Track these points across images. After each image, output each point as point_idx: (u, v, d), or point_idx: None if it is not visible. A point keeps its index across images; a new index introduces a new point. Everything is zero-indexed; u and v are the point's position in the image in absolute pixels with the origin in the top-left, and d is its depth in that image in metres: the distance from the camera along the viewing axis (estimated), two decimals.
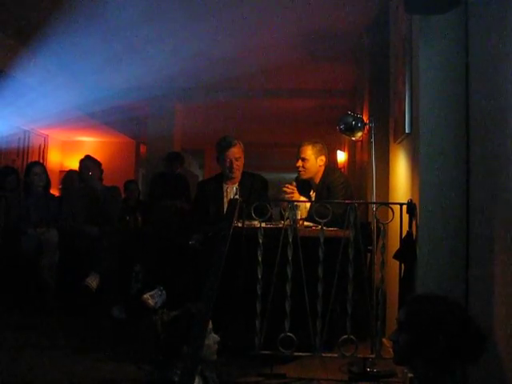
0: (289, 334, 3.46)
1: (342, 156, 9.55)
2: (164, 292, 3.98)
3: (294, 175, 4.71)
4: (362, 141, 6.92)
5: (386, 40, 5.00)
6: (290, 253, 3.48)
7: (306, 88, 8.70)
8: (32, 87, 7.01)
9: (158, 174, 7.55)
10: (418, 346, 2.03)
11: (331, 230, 3.79)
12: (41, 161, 9.53)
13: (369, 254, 4.26)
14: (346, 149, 9.46)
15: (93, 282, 4.84)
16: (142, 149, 11.20)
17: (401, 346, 2.08)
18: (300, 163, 4.44)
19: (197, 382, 2.59)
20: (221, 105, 9.74)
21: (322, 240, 3.50)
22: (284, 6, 5.68)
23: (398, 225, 3.55)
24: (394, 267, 3.63)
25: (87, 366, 3.52)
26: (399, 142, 3.98)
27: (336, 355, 3.54)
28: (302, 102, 9.31)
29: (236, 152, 4.44)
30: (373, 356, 3.53)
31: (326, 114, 9.26)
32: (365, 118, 6.31)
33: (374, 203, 3.77)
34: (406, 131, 3.64)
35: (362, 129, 4.03)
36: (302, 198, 4.30)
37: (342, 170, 9.54)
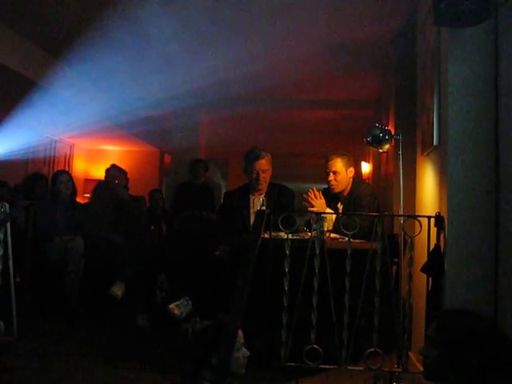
0: (315, 346, 3.45)
1: (366, 167, 9.52)
2: (190, 302, 3.99)
3: (318, 185, 4.69)
4: (387, 152, 6.89)
5: (413, 51, 4.99)
6: (316, 264, 3.48)
7: (331, 98, 8.71)
8: (62, 98, 7.12)
9: (182, 183, 7.56)
10: (450, 362, 2.01)
11: (358, 242, 3.78)
12: (66, 169, 9.66)
13: (395, 267, 4.25)
14: (370, 160, 9.43)
15: (118, 290, 4.87)
16: (167, 158, 11.27)
17: (432, 361, 2.06)
18: (332, 177, 4.43)
19: None
20: (246, 116, 9.77)
21: (349, 252, 3.49)
22: (311, 18, 5.71)
23: (425, 238, 3.53)
24: (421, 280, 3.60)
25: (113, 374, 3.55)
26: (427, 155, 3.96)
27: (362, 368, 3.52)
28: (327, 113, 9.32)
29: (264, 164, 4.45)
30: (399, 370, 3.50)
31: (351, 125, 9.25)
32: (391, 129, 6.34)
33: (401, 216, 3.75)
34: (434, 144, 3.62)
35: (389, 141, 4.02)
36: (328, 210, 4.29)
37: (367, 181, 9.51)
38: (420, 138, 4.24)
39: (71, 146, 9.96)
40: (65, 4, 5.55)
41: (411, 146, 4.59)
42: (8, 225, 3.71)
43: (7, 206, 3.72)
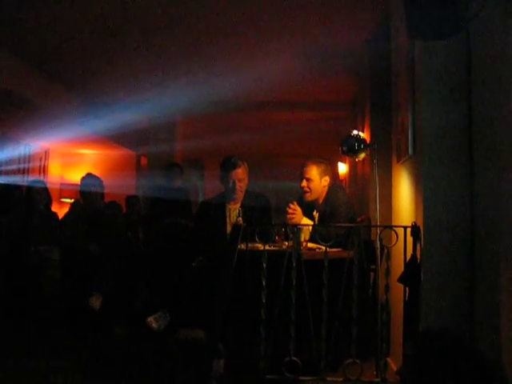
0: (294, 358, 3.45)
1: (343, 168, 9.54)
2: (168, 315, 3.96)
3: (295, 184, 4.67)
4: None
5: (386, 55, 4.99)
6: (293, 276, 3.48)
7: (307, 100, 8.71)
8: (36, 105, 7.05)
9: (157, 188, 7.50)
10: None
11: (335, 251, 3.79)
12: (41, 173, 9.55)
13: (372, 273, 4.26)
14: (347, 161, 9.45)
15: (96, 302, 4.83)
16: (143, 161, 11.19)
17: (408, 382, 2.07)
18: (305, 183, 4.41)
19: None
20: (221, 117, 9.76)
21: (326, 264, 3.49)
22: (287, 22, 5.70)
23: (402, 247, 3.54)
24: (399, 289, 3.61)
25: None
26: (402, 163, 3.97)
27: (341, 379, 3.52)
28: (304, 114, 9.32)
29: (240, 173, 4.43)
30: (378, 380, 3.51)
31: (328, 125, 9.29)
32: (366, 132, 6.37)
33: (378, 226, 3.76)
34: (409, 153, 3.63)
35: (364, 150, 4.03)
36: (305, 220, 4.28)
37: (343, 181, 9.53)
38: (395, 146, 4.25)
39: (46, 151, 9.83)
40: None
41: (387, 151, 4.59)
42: None
43: None
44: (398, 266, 3.63)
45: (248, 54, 6.74)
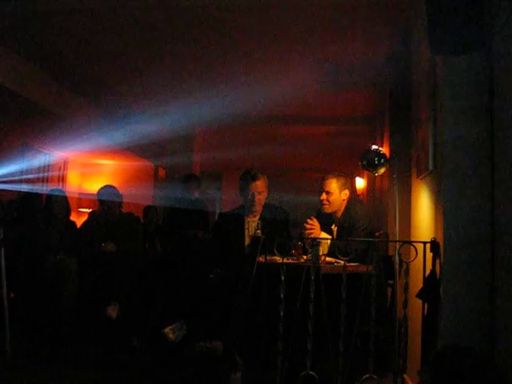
0: (310, 372, 3.43)
1: (361, 183, 9.52)
2: (184, 326, 3.96)
3: (313, 198, 4.67)
4: None
5: (407, 70, 4.99)
6: (312, 290, 3.46)
7: (326, 114, 8.73)
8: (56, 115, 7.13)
9: (175, 199, 7.50)
10: None
11: (353, 266, 3.77)
12: (60, 183, 9.63)
13: (390, 289, 4.24)
14: (365, 175, 9.44)
15: (113, 312, 4.84)
16: (161, 172, 11.24)
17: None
18: (324, 196, 4.41)
19: None
20: (240, 130, 9.79)
21: (344, 278, 3.47)
22: (308, 38, 5.74)
23: (421, 262, 3.52)
24: (417, 305, 3.59)
25: None
26: (422, 178, 3.95)
27: None
28: (324, 128, 9.33)
29: (259, 186, 4.45)
30: None
31: (347, 140, 9.28)
32: (385, 147, 6.35)
33: (397, 241, 3.74)
34: (430, 168, 3.61)
35: (384, 165, 4.02)
36: (323, 234, 4.27)
37: (361, 196, 9.50)
38: (415, 161, 4.24)
39: (65, 161, 9.93)
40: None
41: (406, 166, 4.58)
42: (2, 251, 3.69)
43: (1, 230, 3.70)
44: (417, 282, 3.61)
45: (268, 67, 6.78)
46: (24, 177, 7.90)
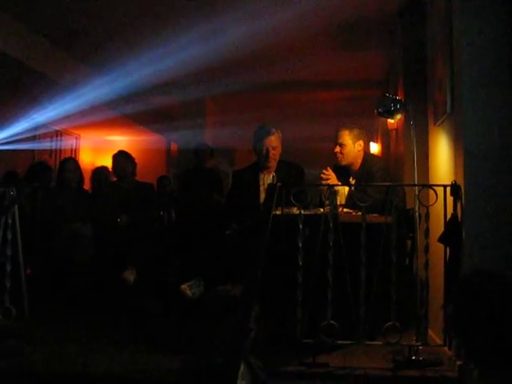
0: (331, 321, 3.37)
1: (375, 147, 9.39)
2: (202, 283, 3.92)
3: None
4: (396, 129, 6.80)
5: (422, 23, 4.88)
6: (330, 238, 3.39)
7: (338, 79, 8.59)
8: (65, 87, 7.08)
9: (188, 169, 7.47)
10: (461, 318, 1.93)
11: (371, 217, 3.69)
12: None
13: (409, 242, 4.16)
14: (379, 140, 9.32)
15: (130, 275, 4.83)
16: (173, 147, 11.19)
17: (447, 315, 1.98)
18: (338, 149, 4.34)
19: (242, 368, 2.54)
20: (251, 101, 9.69)
21: (363, 224, 3.40)
22: None
23: (440, 208, 3.44)
24: (438, 252, 3.52)
25: (121, 358, 3.48)
26: (440, 124, 3.87)
27: (380, 343, 3.44)
28: (335, 94, 9.21)
29: (273, 141, 4.38)
30: (418, 344, 3.42)
31: (359, 106, 9.13)
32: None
33: (416, 185, 3.65)
34: (448, 111, 3.53)
35: (400, 111, 3.92)
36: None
37: None
38: (432, 109, 4.15)
39: (77, 137, 9.91)
40: None
41: (422, 120, 4.49)
42: (16, 209, 3.66)
43: (14, 190, 3.67)
44: (437, 229, 3.53)
45: (278, 30, 6.66)
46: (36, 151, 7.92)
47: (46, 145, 8.63)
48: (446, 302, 2.05)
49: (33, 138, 8.01)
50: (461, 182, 3.28)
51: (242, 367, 2.50)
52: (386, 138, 8.18)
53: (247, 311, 2.49)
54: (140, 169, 5.94)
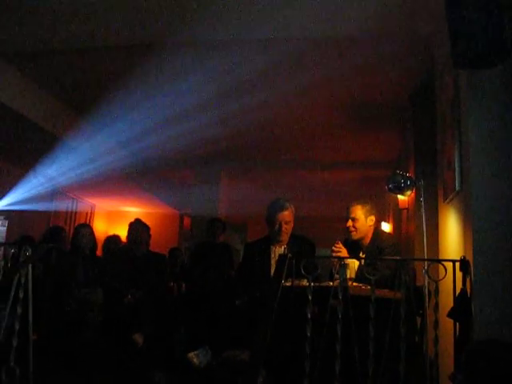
0: None
1: (386, 227, 9.44)
2: (209, 352, 3.90)
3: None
4: (407, 209, 6.87)
5: (432, 106, 5.04)
6: (339, 310, 3.40)
7: (350, 160, 8.77)
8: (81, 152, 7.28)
9: (200, 243, 7.52)
10: None
11: (381, 291, 3.70)
12: None
13: (419, 319, 4.14)
14: (390, 220, 9.37)
15: (139, 338, 4.80)
16: (186, 221, 11.30)
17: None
18: (350, 223, 4.39)
19: None
20: (264, 177, 9.85)
21: (372, 297, 3.41)
22: (330, 78, 5.80)
23: (450, 284, 3.45)
24: (447, 327, 3.51)
25: None
26: (449, 202, 3.94)
27: None
28: (347, 174, 9.35)
29: (287, 215, 4.46)
30: None
31: (370, 187, 9.26)
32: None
33: (425, 260, 3.68)
34: (457, 188, 3.60)
35: (411, 187, 4.01)
36: (351, 260, 4.23)
37: None
38: (441, 187, 4.24)
39: (92, 207, 10.07)
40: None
41: (431, 199, 4.56)
42: (29, 268, 3.71)
43: (29, 249, 3.74)
44: (447, 304, 3.53)
45: (292, 114, 6.89)
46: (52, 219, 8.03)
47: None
48: (455, 373, 2.04)
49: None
50: (470, 258, 3.31)
51: None
52: (397, 218, 8.24)
53: (254, 376, 2.48)
54: (152, 241, 5.99)
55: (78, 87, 6.35)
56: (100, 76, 5.97)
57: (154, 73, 5.58)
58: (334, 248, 4.23)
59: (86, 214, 9.86)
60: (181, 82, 5.78)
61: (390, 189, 4.05)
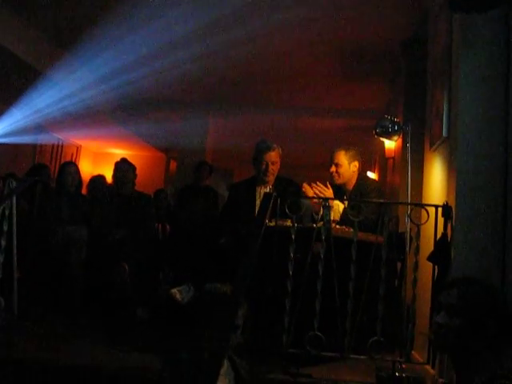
0: (317, 333, 3.41)
1: (372, 176, 9.49)
2: (192, 288, 3.94)
3: None
4: (393, 158, 6.90)
5: (424, 54, 4.99)
6: (322, 251, 3.45)
7: (337, 107, 8.72)
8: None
9: (186, 186, 7.54)
10: (472, 330, 1.98)
11: (364, 234, 3.75)
12: None
13: (400, 264, 4.21)
14: (376, 170, 9.42)
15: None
16: (172, 164, 11.26)
17: (453, 329, 2.01)
18: (333, 168, 4.41)
19: (225, 366, 2.56)
20: (252, 123, 9.77)
21: (355, 239, 3.46)
22: (321, 23, 5.73)
23: (431, 229, 3.51)
24: (426, 272, 3.58)
25: (109, 354, 3.58)
26: (435, 149, 3.96)
27: (364, 358, 3.47)
28: (333, 122, 9.31)
29: (273, 156, 4.47)
30: (402, 360, 3.45)
31: (357, 135, 9.25)
32: (398, 141, 6.34)
33: (408, 204, 3.73)
34: (444, 135, 3.62)
35: (398, 132, 4.02)
36: (336, 201, 4.26)
37: None
38: (428, 134, 4.25)
39: (78, 148, 9.99)
40: None
41: (418, 146, 4.56)
42: (14, 200, 3.70)
43: (13, 181, 3.72)
44: (427, 248, 3.59)
45: (282, 56, 6.79)
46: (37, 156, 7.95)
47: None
48: (434, 312, 2.09)
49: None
50: (452, 204, 3.35)
51: (225, 364, 2.53)
52: (383, 168, 8.27)
53: (235, 308, 2.52)
54: (138, 183, 5.97)
55: (62, 21, 6.20)
56: (85, 10, 5.82)
57: (138, 4, 5.44)
58: (314, 186, 4.20)
59: (72, 154, 9.79)
60: (165, 15, 5.64)
61: (377, 133, 4.06)
